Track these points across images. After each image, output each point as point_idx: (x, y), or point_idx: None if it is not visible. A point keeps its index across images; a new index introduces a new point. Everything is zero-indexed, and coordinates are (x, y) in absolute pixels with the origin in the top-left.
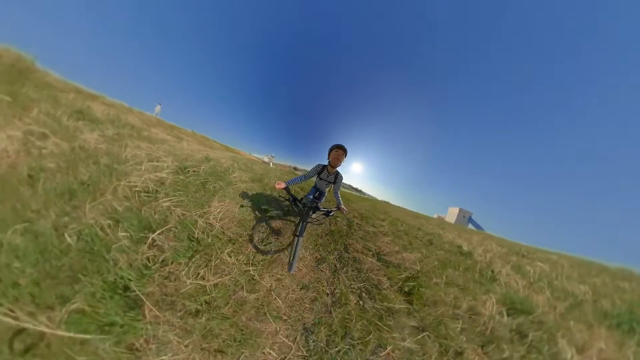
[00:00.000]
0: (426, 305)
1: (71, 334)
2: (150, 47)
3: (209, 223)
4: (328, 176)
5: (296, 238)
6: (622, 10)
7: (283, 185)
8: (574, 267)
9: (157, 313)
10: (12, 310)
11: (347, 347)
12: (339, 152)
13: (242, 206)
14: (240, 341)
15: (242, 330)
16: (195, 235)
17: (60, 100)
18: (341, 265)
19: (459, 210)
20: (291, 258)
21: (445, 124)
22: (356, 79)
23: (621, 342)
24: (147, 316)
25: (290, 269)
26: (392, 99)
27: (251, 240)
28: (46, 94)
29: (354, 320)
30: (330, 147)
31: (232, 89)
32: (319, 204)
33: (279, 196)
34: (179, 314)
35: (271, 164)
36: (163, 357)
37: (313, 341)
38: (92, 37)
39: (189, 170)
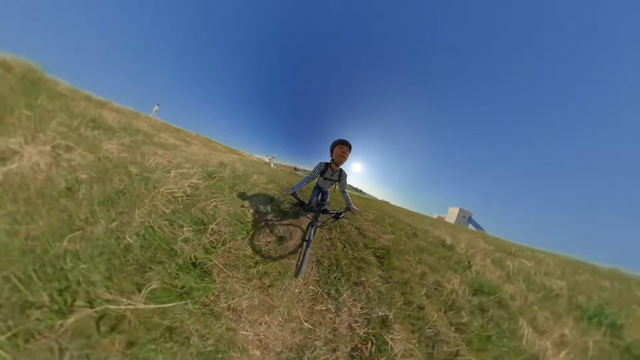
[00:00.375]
0: (394, 269)
1: (153, 306)
2: (146, 46)
3: (251, 213)
4: (332, 175)
5: (305, 242)
6: (622, 10)
7: (291, 191)
8: (559, 266)
9: (226, 272)
10: (90, 302)
11: (339, 275)
12: (343, 148)
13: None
14: (283, 274)
15: (284, 266)
16: (247, 220)
17: (73, 109)
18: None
19: (459, 211)
20: (299, 262)
21: (446, 124)
22: (356, 79)
23: (586, 331)
24: (217, 279)
25: (297, 274)
26: (392, 99)
27: (254, 240)
28: (59, 104)
29: (341, 258)
30: (332, 143)
31: (231, 88)
32: (326, 206)
33: (288, 203)
34: (241, 270)
35: (272, 164)
36: (231, 302)
37: (321, 269)
38: (88, 38)
39: (215, 176)
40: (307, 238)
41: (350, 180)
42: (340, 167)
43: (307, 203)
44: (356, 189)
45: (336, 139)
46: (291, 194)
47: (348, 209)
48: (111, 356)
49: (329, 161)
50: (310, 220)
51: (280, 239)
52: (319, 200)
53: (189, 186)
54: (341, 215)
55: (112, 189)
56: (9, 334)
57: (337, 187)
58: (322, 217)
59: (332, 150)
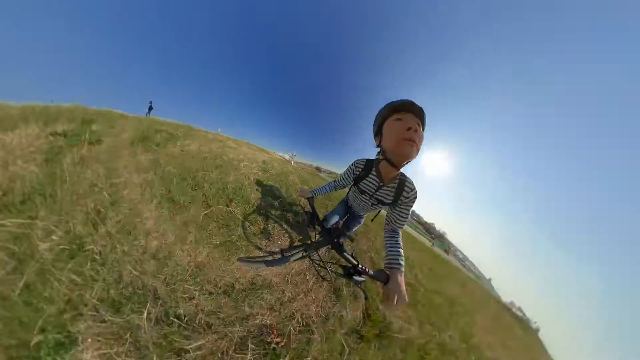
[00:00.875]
0: None
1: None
2: (159, 45)
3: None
4: (379, 187)
5: (280, 255)
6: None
7: (309, 195)
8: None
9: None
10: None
11: None
12: (408, 119)
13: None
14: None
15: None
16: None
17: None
18: None
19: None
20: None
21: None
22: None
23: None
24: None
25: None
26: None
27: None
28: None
29: None
30: (382, 109)
31: (246, 81)
32: (349, 237)
33: (301, 208)
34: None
35: (292, 162)
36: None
37: None
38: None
39: (267, 171)
40: (285, 254)
41: (421, 207)
42: (402, 171)
43: (320, 218)
44: (424, 224)
45: (392, 101)
46: (308, 198)
47: (384, 276)
48: None
49: (376, 157)
50: (308, 241)
51: (268, 234)
52: (339, 225)
53: (254, 174)
54: (360, 281)
55: (215, 165)
56: None
57: (386, 215)
58: (328, 253)
59: (380, 128)
